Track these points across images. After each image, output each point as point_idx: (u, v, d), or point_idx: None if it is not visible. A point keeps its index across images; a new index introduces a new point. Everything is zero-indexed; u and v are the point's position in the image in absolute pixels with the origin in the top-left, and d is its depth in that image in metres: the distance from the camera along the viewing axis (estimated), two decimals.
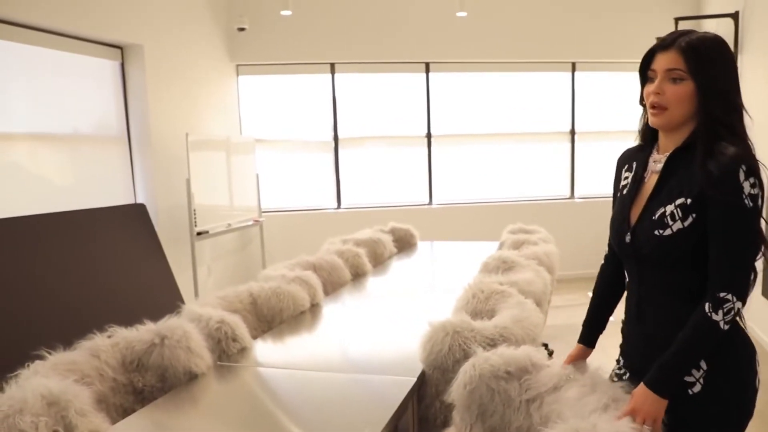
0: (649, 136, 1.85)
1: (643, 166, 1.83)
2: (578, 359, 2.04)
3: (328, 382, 2.43)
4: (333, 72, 7.49)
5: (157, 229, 5.56)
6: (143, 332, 2.40)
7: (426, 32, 7.41)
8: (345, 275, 4.10)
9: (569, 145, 7.91)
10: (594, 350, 2.06)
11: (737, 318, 1.67)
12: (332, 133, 7.58)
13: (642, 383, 1.68)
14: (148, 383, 2.31)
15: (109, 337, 2.37)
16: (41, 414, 1.70)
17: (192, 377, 2.37)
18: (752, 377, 1.71)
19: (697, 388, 1.67)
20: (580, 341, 2.07)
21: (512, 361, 2.06)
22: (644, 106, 1.80)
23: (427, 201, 7.83)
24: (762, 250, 1.68)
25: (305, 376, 2.51)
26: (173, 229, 5.91)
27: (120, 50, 5.75)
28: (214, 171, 6.28)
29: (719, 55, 1.67)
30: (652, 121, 1.74)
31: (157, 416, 2.13)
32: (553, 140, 7.92)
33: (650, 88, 1.72)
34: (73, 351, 2.24)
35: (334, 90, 7.54)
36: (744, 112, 1.70)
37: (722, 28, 6.28)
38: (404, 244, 5.60)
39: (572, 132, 7.88)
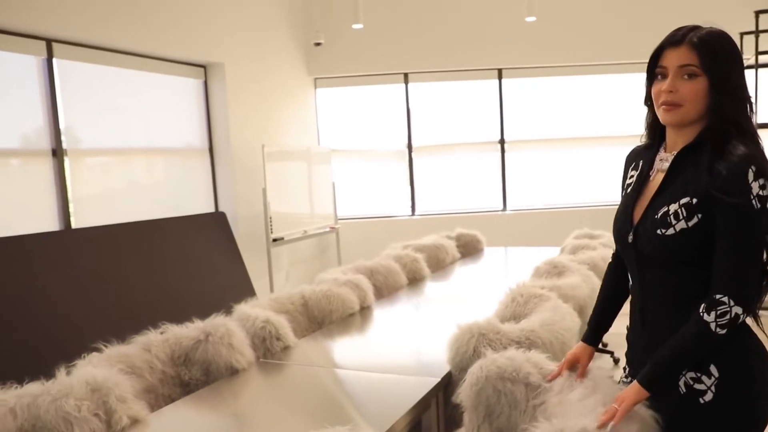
0: (657, 134, 1.82)
1: (649, 165, 1.80)
2: (581, 358, 2.01)
3: (359, 380, 2.57)
4: (407, 81, 7.70)
5: (236, 235, 5.90)
6: (191, 329, 2.63)
7: (497, 38, 7.49)
8: (401, 279, 4.24)
9: None
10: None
11: (748, 324, 1.63)
12: (406, 142, 7.78)
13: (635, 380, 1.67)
14: (193, 376, 2.54)
15: (162, 333, 2.62)
16: (84, 399, 1.94)
17: (234, 372, 2.58)
18: (766, 387, 1.65)
19: (709, 396, 1.62)
20: (582, 339, 2.05)
21: (519, 363, 2.11)
22: (649, 105, 1.78)
23: (501, 207, 7.87)
24: None
25: (340, 374, 2.67)
26: (251, 236, 6.24)
27: (203, 69, 6.14)
28: (291, 180, 6.58)
29: (730, 51, 1.64)
30: (665, 119, 1.69)
31: (196, 405, 2.34)
32: (633, 143, 7.74)
33: (661, 85, 1.68)
34: (128, 345, 2.50)
35: (408, 99, 7.74)
36: (750, 109, 1.66)
37: None
38: (470, 249, 5.68)
39: None
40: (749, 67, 6.23)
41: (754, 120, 1.69)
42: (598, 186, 7.81)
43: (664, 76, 1.68)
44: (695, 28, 1.66)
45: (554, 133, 7.84)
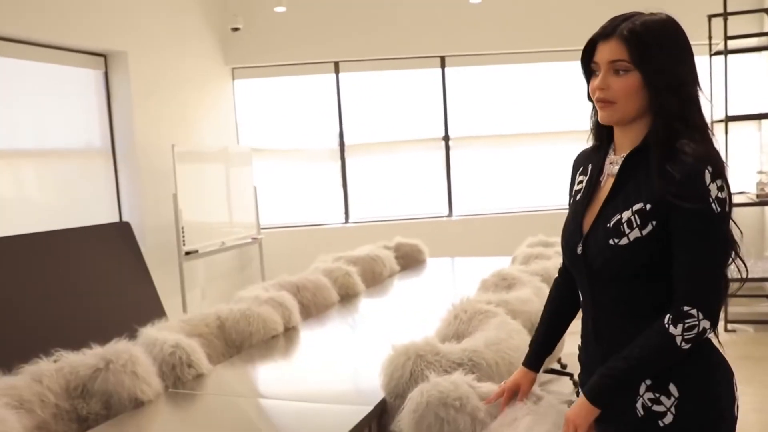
0: (604, 134, 1.85)
1: (598, 169, 1.84)
2: (521, 384, 2.07)
3: (283, 410, 2.62)
4: (337, 71, 7.78)
5: (143, 248, 5.84)
6: (89, 356, 2.63)
7: (439, 22, 7.59)
8: (331, 296, 4.30)
9: None
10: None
11: (710, 338, 1.68)
12: (338, 140, 7.85)
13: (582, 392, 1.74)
14: (92, 410, 2.54)
15: (55, 361, 2.61)
16: None
17: (139, 404, 2.60)
18: (730, 405, 1.71)
19: (669, 418, 1.66)
20: (524, 363, 2.08)
21: (465, 392, 2.18)
22: (593, 101, 1.81)
23: (446, 212, 8.00)
24: (732, 257, 1.69)
25: (261, 404, 2.72)
26: (161, 249, 6.20)
27: (103, 59, 6.08)
28: (206, 185, 6.57)
29: (669, 40, 1.68)
30: (602, 117, 1.76)
31: None
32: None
33: (595, 82, 1.74)
34: (15, 375, 2.48)
35: (339, 91, 7.81)
36: (701, 103, 1.71)
37: None
38: (411, 261, 5.77)
39: None
40: (718, 53, 6.40)
41: (716, 114, 1.75)
42: (554, 187, 7.71)
43: (598, 73, 1.75)
44: (630, 17, 1.71)
45: (505, 129, 7.96)
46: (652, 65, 1.66)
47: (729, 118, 6.14)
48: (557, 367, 5.01)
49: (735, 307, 6.31)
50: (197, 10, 7.10)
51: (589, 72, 1.80)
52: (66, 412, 2.50)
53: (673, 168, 1.61)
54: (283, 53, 7.58)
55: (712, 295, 1.63)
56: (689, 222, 1.61)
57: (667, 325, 1.61)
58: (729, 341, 5.86)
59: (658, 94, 1.66)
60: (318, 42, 7.56)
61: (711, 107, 6.03)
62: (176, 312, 5.99)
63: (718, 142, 1.75)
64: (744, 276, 1.75)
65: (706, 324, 1.60)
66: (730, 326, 6.19)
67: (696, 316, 1.60)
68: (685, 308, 1.60)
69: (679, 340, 1.60)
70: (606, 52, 1.71)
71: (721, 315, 1.85)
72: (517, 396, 2.07)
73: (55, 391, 2.49)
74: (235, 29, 7.26)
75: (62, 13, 5.38)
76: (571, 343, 2.11)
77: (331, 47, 7.61)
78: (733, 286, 1.75)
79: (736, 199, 1.89)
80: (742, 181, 6.90)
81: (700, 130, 1.68)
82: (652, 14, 1.72)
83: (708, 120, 1.76)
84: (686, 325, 1.60)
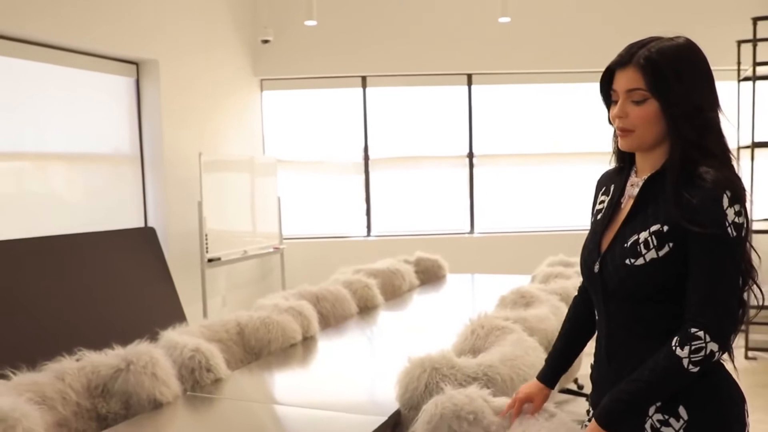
0: (627, 157, 1.87)
1: (620, 190, 1.85)
2: (534, 398, 2.08)
3: (298, 417, 2.65)
4: (364, 86, 7.83)
5: (167, 254, 5.91)
6: (111, 357, 2.68)
7: (467, 40, 7.64)
8: (350, 307, 4.33)
9: None
10: None
11: (722, 363, 1.69)
12: (363, 153, 7.90)
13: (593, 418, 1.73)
14: (112, 410, 2.58)
15: (78, 360, 2.66)
16: None
17: (157, 406, 2.63)
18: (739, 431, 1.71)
19: None
20: (538, 377, 2.10)
21: (480, 406, 2.19)
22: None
23: (467, 229, 8.02)
24: (749, 283, 1.69)
25: (277, 410, 2.75)
26: (184, 256, 6.27)
27: (135, 66, 6.18)
28: (231, 193, 6.64)
29: (686, 66, 1.68)
30: (621, 144, 1.78)
31: None
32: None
33: (614, 110, 1.75)
34: (39, 372, 2.53)
35: (366, 105, 7.86)
36: (722, 127, 1.71)
37: None
38: (431, 276, 5.79)
39: None
40: (746, 79, 6.36)
41: (743, 140, 1.75)
42: (577, 208, 7.75)
43: (617, 101, 1.76)
44: (647, 43, 1.72)
45: (530, 148, 7.98)
46: (668, 93, 1.67)
47: (755, 144, 6.13)
48: (573, 387, 5.00)
49: (756, 335, 6.25)
50: (228, 21, 7.20)
51: (608, 98, 1.81)
52: (86, 410, 2.54)
53: (691, 194, 1.62)
54: (312, 66, 7.66)
55: (722, 318, 1.61)
56: (704, 245, 1.61)
57: (674, 347, 1.61)
58: (749, 369, 5.81)
59: (675, 122, 1.67)
60: (346, 56, 7.63)
61: (738, 132, 6.04)
62: (197, 317, 6.04)
63: (740, 167, 1.75)
64: (762, 303, 1.75)
65: (713, 346, 1.59)
66: (750, 354, 6.14)
67: (703, 338, 1.59)
68: (693, 330, 1.60)
69: (686, 362, 1.60)
70: (623, 81, 1.72)
71: (742, 342, 1.81)
72: (530, 409, 2.08)
73: (76, 389, 2.54)
74: (265, 41, 7.35)
75: (97, 21, 5.49)
76: (587, 364, 2.11)
77: (359, 62, 7.68)
78: (750, 313, 1.75)
79: (760, 226, 1.90)
80: (767, 207, 6.84)
81: (719, 157, 1.68)
82: (670, 39, 1.72)
83: (733, 146, 1.77)
84: (693, 347, 1.59)
